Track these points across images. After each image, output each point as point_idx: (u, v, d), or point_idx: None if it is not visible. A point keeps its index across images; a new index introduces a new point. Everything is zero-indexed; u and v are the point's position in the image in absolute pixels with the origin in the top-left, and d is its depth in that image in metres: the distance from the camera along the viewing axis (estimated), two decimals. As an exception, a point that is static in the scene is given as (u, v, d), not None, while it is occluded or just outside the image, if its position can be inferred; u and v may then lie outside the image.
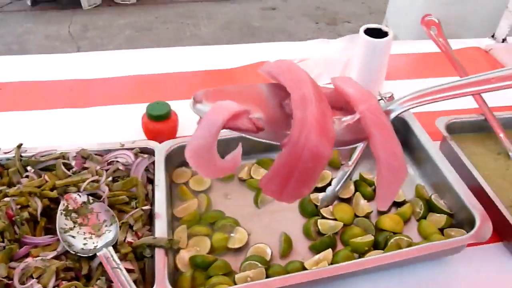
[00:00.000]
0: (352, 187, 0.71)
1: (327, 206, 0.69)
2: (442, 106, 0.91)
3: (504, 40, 1.24)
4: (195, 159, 0.40)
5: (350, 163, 0.71)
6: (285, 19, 3.19)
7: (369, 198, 0.70)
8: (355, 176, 0.73)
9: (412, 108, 0.48)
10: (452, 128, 0.81)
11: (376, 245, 0.63)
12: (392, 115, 0.48)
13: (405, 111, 0.48)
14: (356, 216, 0.68)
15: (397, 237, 0.62)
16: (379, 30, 0.85)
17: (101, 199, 0.63)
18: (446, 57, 0.87)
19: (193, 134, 0.39)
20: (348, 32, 3.19)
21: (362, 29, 0.84)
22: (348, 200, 0.71)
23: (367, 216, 0.68)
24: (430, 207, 0.68)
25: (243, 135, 0.42)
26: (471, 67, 1.10)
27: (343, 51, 1.00)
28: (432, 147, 0.72)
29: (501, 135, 0.79)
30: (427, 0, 2.47)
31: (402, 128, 0.79)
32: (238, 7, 3.34)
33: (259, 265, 0.60)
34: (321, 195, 0.69)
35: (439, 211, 0.66)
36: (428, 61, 1.10)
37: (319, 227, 0.65)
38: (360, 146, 0.66)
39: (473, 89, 0.47)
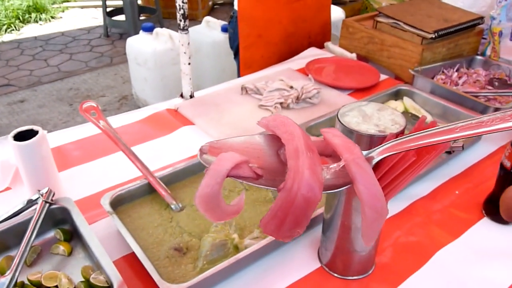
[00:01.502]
0: (18, 295, 0.72)
1: (-11, 325, 0.68)
2: (109, 183, 1.00)
3: (191, 97, 1.42)
4: (203, 204, 0.45)
5: (7, 272, 0.72)
6: (37, 108, 3.08)
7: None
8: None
9: (389, 155, 0.52)
10: (121, 199, 0.89)
11: None
12: (373, 162, 0.53)
13: (383, 158, 0.53)
14: (22, 322, 0.69)
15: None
16: (32, 130, 0.89)
17: None
18: (108, 136, 0.95)
19: (201, 183, 0.43)
20: (104, 105, 3.21)
21: (11, 134, 0.87)
22: (16, 309, 0.71)
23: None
24: (92, 287, 0.73)
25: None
26: (162, 126, 1.24)
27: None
28: (86, 230, 0.78)
29: (162, 191, 0.90)
30: (158, 62, 2.69)
31: (68, 217, 0.83)
32: (-18, 108, 3.11)
33: None
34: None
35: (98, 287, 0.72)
36: (97, 142, 1.16)
37: None
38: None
39: (442, 138, 0.49)
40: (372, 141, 0.63)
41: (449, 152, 1.05)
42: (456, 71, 1.50)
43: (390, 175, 0.61)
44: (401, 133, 0.62)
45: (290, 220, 0.45)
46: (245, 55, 1.75)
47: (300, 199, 0.44)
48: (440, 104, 1.26)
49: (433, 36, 1.44)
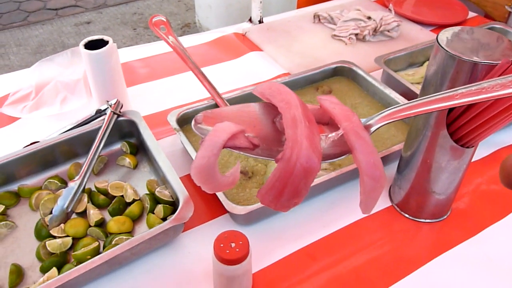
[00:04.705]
0: (85, 199, 0.73)
1: (58, 225, 0.69)
2: (175, 102, 0.98)
3: (260, 22, 1.35)
4: (198, 176, 0.44)
5: (76, 177, 0.73)
6: (102, 31, 3.11)
7: (102, 206, 0.73)
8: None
9: (388, 123, 0.50)
10: (187, 118, 0.87)
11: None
12: (372, 129, 0.51)
13: (382, 125, 0.51)
14: (90, 226, 0.70)
15: (117, 238, 0.65)
16: (102, 40, 0.87)
17: None
18: (177, 53, 0.92)
19: (196, 154, 0.43)
20: (167, 32, 3.17)
21: (82, 43, 0.85)
22: (84, 213, 0.72)
23: (99, 224, 0.70)
24: (157, 200, 0.72)
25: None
26: (229, 50, 1.20)
27: (72, 67, 1.01)
28: (153, 143, 0.77)
29: (229, 114, 0.87)
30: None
31: (134, 130, 0.82)
32: (50, 27, 3.17)
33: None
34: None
35: (163, 201, 0.71)
36: (164, 61, 1.15)
37: (48, 248, 0.66)
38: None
39: (442, 105, 0.47)
40: (476, 69, 0.55)
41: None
42: (558, 12, 1.33)
43: (487, 114, 0.55)
44: (513, 63, 0.54)
45: (288, 191, 0.44)
46: None
47: (299, 169, 0.43)
48: (537, 46, 1.12)
49: (538, -30, 1.27)
